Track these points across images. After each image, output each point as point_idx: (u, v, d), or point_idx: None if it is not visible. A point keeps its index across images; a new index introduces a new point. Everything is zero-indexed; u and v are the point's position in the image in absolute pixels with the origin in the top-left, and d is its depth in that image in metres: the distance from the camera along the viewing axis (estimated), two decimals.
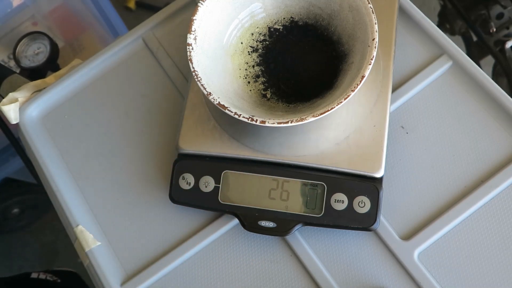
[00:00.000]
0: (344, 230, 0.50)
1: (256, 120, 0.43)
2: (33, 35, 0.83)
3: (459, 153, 0.52)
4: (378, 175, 0.49)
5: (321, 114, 0.43)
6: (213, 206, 0.51)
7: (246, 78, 0.50)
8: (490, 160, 0.51)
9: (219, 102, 0.44)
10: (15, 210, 1.33)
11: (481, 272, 0.48)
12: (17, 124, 0.60)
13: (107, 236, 0.55)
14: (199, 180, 0.51)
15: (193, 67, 0.46)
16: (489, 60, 1.04)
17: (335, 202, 0.48)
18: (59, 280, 0.82)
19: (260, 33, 0.51)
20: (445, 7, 1.06)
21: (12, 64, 0.97)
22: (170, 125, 0.57)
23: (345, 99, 0.43)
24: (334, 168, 0.49)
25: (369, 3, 0.46)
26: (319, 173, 0.49)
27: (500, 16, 0.93)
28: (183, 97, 0.58)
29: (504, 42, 0.92)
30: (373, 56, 0.44)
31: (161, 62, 0.60)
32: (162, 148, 0.56)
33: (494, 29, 0.92)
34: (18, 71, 0.79)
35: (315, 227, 0.51)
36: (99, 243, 0.54)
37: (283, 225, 0.49)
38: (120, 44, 0.61)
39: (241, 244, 0.52)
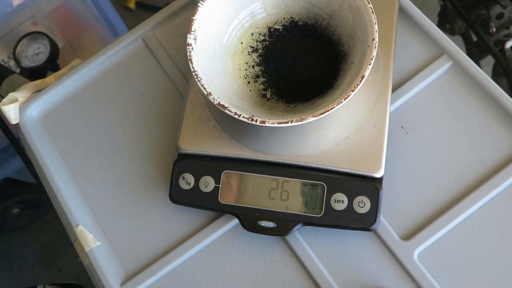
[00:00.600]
0: (344, 230, 0.50)
1: (256, 120, 0.43)
2: (33, 35, 0.83)
3: (459, 153, 0.51)
4: (378, 175, 0.49)
5: (321, 114, 0.43)
6: (213, 206, 0.51)
7: (246, 78, 0.50)
8: (490, 160, 0.51)
9: (219, 102, 0.44)
10: (15, 210, 1.33)
11: (481, 272, 0.48)
12: (17, 124, 0.60)
13: (107, 236, 0.55)
14: (199, 180, 0.51)
15: (193, 67, 0.46)
16: (489, 60, 1.04)
17: (335, 202, 0.48)
18: None
19: (260, 33, 0.51)
20: (445, 7, 1.06)
21: (12, 64, 0.97)
22: (170, 125, 0.57)
23: (345, 99, 0.43)
24: (334, 168, 0.49)
25: (369, 3, 0.46)
26: (319, 173, 0.49)
27: (500, 16, 0.93)
28: (183, 97, 0.58)
29: (504, 42, 0.92)
30: (373, 56, 0.44)
31: (161, 62, 0.60)
32: (162, 148, 0.56)
33: (494, 29, 0.92)
34: (18, 71, 0.79)
35: (315, 227, 0.51)
36: (99, 243, 0.54)
37: (283, 225, 0.49)
38: (120, 44, 0.61)
39: (241, 244, 0.52)
